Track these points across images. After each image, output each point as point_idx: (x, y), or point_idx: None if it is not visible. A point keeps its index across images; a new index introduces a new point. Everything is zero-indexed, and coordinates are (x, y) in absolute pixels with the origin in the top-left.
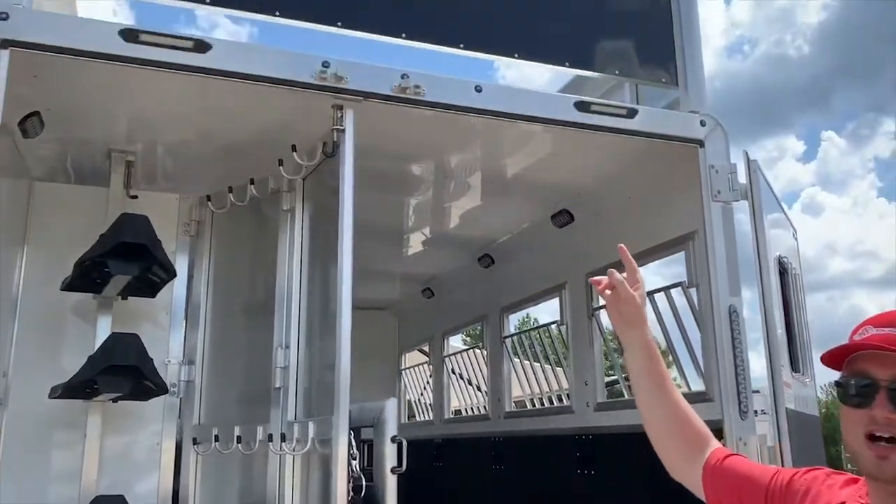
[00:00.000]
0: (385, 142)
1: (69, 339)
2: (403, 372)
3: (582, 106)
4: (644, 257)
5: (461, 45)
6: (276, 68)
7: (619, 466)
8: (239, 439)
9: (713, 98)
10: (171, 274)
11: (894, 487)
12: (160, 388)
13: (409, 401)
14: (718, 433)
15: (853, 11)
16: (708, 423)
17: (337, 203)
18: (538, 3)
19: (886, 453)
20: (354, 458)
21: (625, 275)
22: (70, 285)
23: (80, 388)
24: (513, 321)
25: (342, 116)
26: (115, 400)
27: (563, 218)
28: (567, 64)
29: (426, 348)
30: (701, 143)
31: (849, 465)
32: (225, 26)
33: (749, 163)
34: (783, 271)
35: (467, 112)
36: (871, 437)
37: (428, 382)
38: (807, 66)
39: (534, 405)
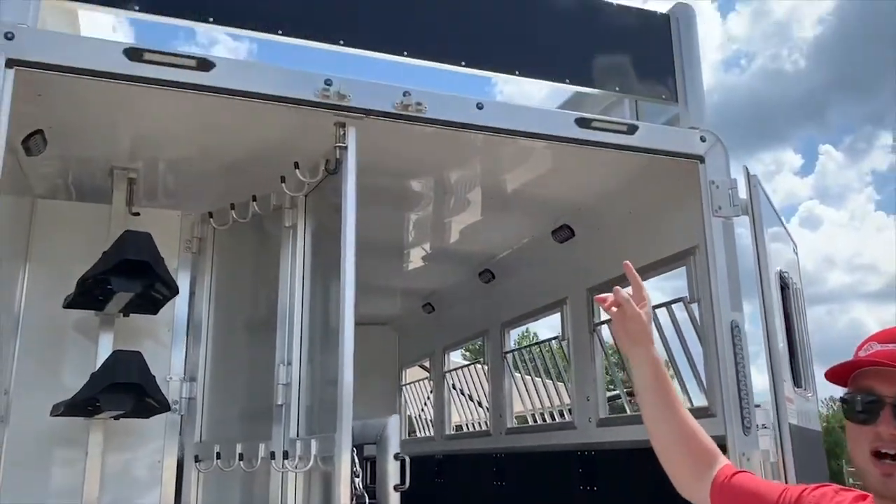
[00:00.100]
0: (386, 158)
1: (71, 357)
2: (404, 387)
3: (583, 122)
4: (645, 272)
5: (462, 63)
6: (279, 86)
7: (621, 483)
8: (241, 457)
9: (711, 112)
10: (174, 291)
11: None
12: (162, 406)
13: (410, 416)
14: (721, 449)
15: (849, 26)
16: (711, 438)
17: (339, 219)
18: (538, 21)
19: (892, 471)
20: (357, 476)
21: (630, 291)
22: (72, 303)
23: (82, 405)
24: (512, 336)
25: (344, 134)
26: (116, 417)
27: (564, 233)
28: (567, 81)
29: (427, 364)
30: (701, 159)
31: (850, 480)
32: (225, 42)
33: (749, 178)
34: (784, 286)
35: (469, 129)
36: (877, 454)
37: (428, 398)
38: (803, 80)
39: (535, 420)
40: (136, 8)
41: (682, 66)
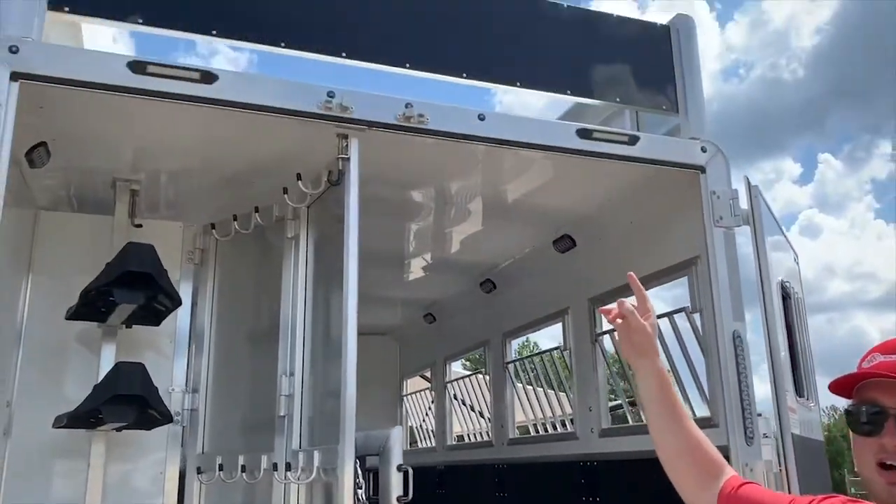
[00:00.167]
0: (388, 169)
1: (73, 368)
2: (405, 398)
3: (584, 133)
4: (646, 283)
5: (464, 74)
6: (282, 99)
7: (624, 494)
8: (243, 468)
9: (710, 121)
10: (177, 302)
11: None
12: (165, 417)
13: (411, 427)
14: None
15: (846, 35)
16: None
17: (341, 230)
18: (539, 33)
19: None
20: (360, 488)
21: (634, 301)
22: (75, 314)
23: (84, 417)
24: (513, 345)
25: (347, 145)
26: (118, 429)
27: (566, 243)
28: (568, 92)
29: (428, 374)
30: (702, 169)
31: (853, 489)
32: (225, 53)
33: (750, 188)
34: (786, 296)
35: (470, 140)
36: (883, 465)
37: (430, 408)
38: (802, 89)
39: (537, 431)
40: (140, 21)
41: (682, 76)
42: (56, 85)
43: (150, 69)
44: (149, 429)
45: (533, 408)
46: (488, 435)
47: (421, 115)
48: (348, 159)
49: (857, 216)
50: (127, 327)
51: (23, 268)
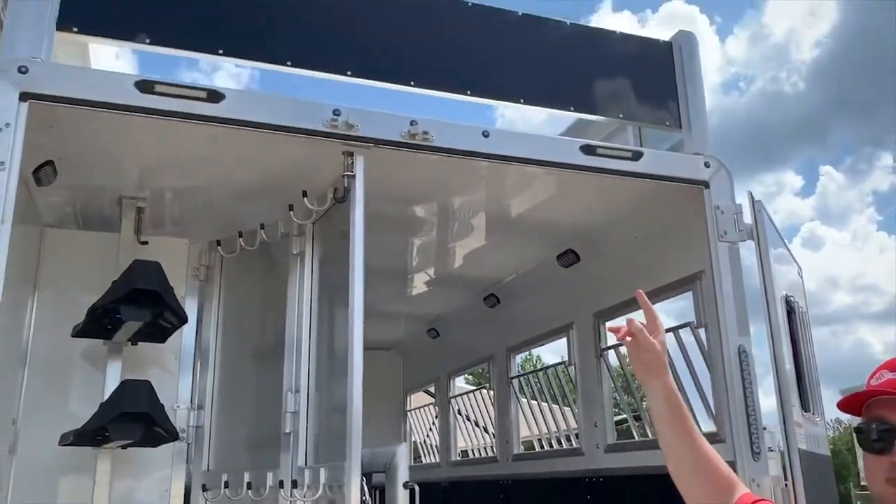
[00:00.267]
0: (393, 186)
1: (78, 386)
2: (409, 413)
3: (588, 149)
4: (651, 298)
5: (468, 92)
6: (288, 117)
7: None
8: (249, 485)
9: (711, 135)
10: (183, 320)
11: None
12: (171, 435)
13: (415, 443)
14: None
15: (846, 48)
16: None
17: (347, 247)
18: (543, 50)
19: None
20: None
21: (643, 319)
22: (81, 332)
23: (91, 435)
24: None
25: (352, 162)
26: (124, 446)
27: (570, 258)
28: (572, 108)
29: (432, 389)
30: (706, 185)
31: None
32: (227, 69)
33: (754, 203)
34: (790, 310)
35: (475, 157)
36: (893, 482)
37: (434, 424)
38: (803, 101)
39: (542, 446)
40: (148, 41)
41: (685, 92)
42: (65, 105)
43: (158, 88)
44: (154, 446)
45: (538, 423)
46: (493, 450)
47: (426, 133)
48: (354, 176)
49: (859, 228)
50: (132, 344)
51: (29, 285)
